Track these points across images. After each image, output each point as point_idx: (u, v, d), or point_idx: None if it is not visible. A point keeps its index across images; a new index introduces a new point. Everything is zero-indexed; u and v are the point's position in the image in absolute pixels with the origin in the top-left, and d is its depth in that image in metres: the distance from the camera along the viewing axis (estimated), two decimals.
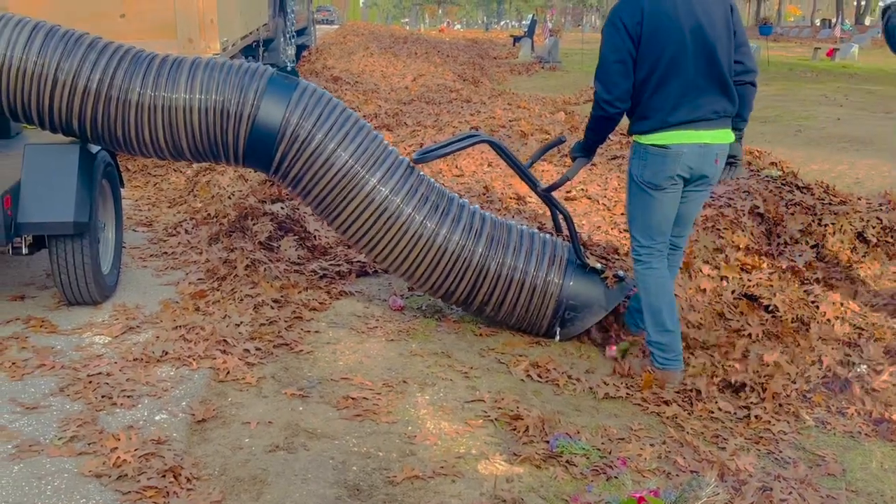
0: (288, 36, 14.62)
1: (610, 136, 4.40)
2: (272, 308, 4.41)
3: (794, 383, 3.89)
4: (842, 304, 4.55)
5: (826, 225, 5.39)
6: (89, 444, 3.06)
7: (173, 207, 6.71)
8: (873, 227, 5.29)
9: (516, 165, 4.32)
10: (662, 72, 3.60)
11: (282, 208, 5.96)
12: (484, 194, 6.56)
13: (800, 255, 4.91)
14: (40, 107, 4.05)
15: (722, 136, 3.69)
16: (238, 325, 4.18)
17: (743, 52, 3.73)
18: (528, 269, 4.17)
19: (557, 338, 4.28)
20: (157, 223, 6.25)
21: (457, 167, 7.57)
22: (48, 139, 4.35)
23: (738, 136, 3.83)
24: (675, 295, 4.06)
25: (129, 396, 3.45)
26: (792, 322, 4.38)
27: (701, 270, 4.76)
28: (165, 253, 5.50)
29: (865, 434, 3.58)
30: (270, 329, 4.19)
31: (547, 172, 7.19)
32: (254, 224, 5.56)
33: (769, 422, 3.61)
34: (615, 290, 4.22)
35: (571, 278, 4.20)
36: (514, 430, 3.34)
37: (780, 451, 3.39)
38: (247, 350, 3.93)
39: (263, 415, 3.37)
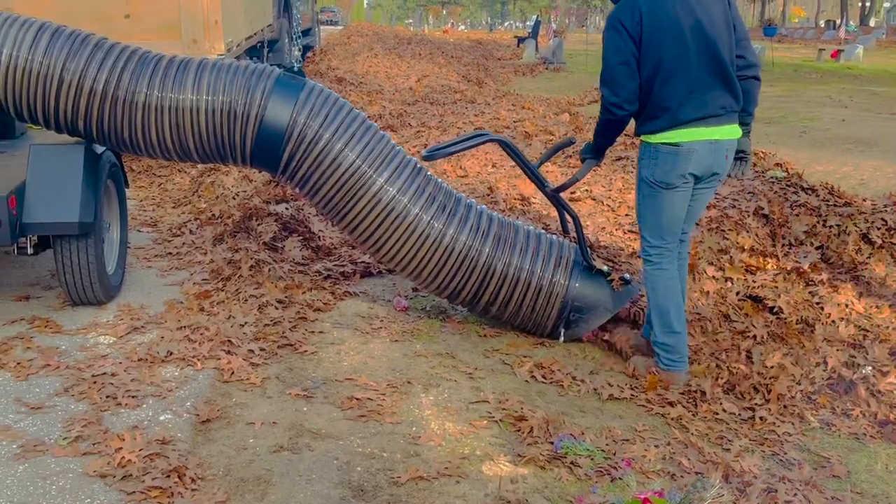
0: (294, 37, 14.62)
1: None
2: (276, 308, 4.42)
3: (799, 385, 3.89)
4: (847, 306, 4.54)
5: (831, 226, 5.38)
6: (94, 445, 3.06)
7: (178, 208, 6.71)
8: (878, 229, 5.28)
9: (525, 165, 4.31)
10: (666, 71, 3.60)
11: (286, 209, 5.96)
12: (488, 195, 6.56)
13: (804, 257, 4.90)
14: (46, 107, 4.06)
15: (730, 132, 3.70)
16: (242, 326, 4.18)
17: (744, 47, 3.74)
18: (535, 270, 4.17)
19: (562, 339, 4.28)
20: (161, 223, 6.26)
21: (461, 168, 7.57)
22: (53, 139, 4.36)
23: (746, 132, 3.83)
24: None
25: (133, 397, 3.45)
26: (797, 323, 4.37)
27: (705, 272, 4.76)
28: (170, 253, 5.50)
29: (870, 436, 3.57)
30: (275, 329, 4.19)
31: (552, 173, 7.19)
32: (258, 224, 5.56)
33: (774, 423, 3.60)
34: (621, 292, 4.22)
35: (577, 280, 4.19)
36: (519, 430, 3.34)
37: (785, 453, 3.38)
38: (251, 350, 3.93)
39: (268, 415, 3.37)
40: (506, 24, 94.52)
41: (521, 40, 28.98)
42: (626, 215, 6.19)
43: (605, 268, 4.26)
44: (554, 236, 4.41)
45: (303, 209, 5.92)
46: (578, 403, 3.71)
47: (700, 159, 3.64)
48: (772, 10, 64.57)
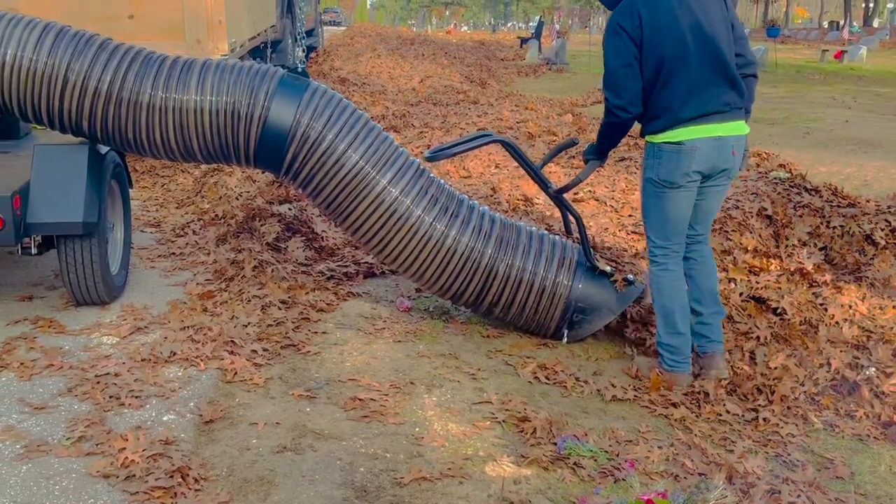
0: (297, 37, 14.62)
1: None
2: (280, 309, 4.42)
3: (803, 386, 3.88)
4: (850, 307, 4.53)
5: (834, 227, 5.37)
6: (97, 445, 3.06)
7: (181, 208, 6.72)
8: (882, 230, 5.27)
9: (528, 166, 4.31)
10: (667, 71, 3.61)
11: (289, 209, 5.97)
12: (491, 196, 6.56)
13: (808, 258, 4.90)
14: (50, 107, 4.06)
15: (735, 128, 3.69)
16: (246, 326, 4.19)
17: (741, 46, 3.76)
18: (538, 271, 4.17)
19: (565, 340, 4.28)
20: (164, 224, 6.26)
21: (464, 168, 7.57)
22: (57, 140, 4.36)
23: None
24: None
25: (136, 397, 3.45)
26: (800, 324, 4.36)
27: None
28: (173, 254, 5.51)
29: (874, 437, 3.57)
30: (278, 330, 4.19)
31: (555, 174, 7.19)
32: (261, 225, 5.56)
33: (777, 424, 3.60)
34: (624, 293, 4.21)
35: (580, 280, 4.19)
36: (522, 431, 3.34)
37: (789, 454, 3.38)
38: (254, 351, 3.93)
39: (271, 416, 3.37)
40: (509, 24, 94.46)
41: (524, 41, 28.97)
42: (630, 216, 6.19)
43: (608, 268, 4.26)
44: (557, 237, 4.41)
45: (306, 210, 5.92)
46: (582, 404, 3.71)
47: (704, 156, 3.64)
48: (775, 11, 64.52)
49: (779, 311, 4.42)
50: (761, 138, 9.65)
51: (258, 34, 10.58)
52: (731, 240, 5.07)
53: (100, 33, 4.22)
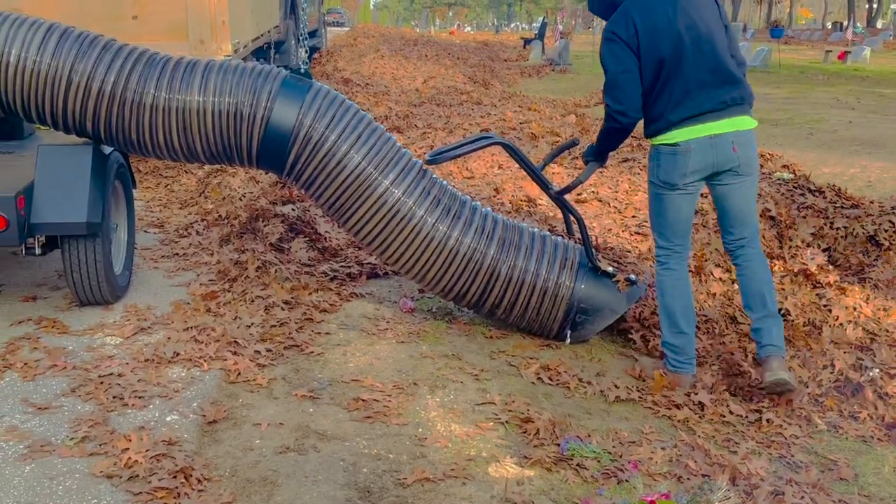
0: (301, 38, 14.64)
1: None
2: (283, 310, 4.42)
3: (807, 387, 3.88)
4: (854, 308, 4.52)
5: (838, 228, 5.37)
6: (100, 445, 3.07)
7: (185, 209, 6.72)
8: (885, 231, 5.27)
9: (529, 167, 4.32)
10: (665, 75, 3.65)
11: (293, 210, 5.97)
12: (494, 196, 6.56)
13: (812, 259, 4.89)
14: (54, 108, 4.07)
15: (734, 124, 3.67)
16: (249, 327, 4.19)
17: (733, 47, 3.78)
18: (540, 272, 4.17)
19: (568, 341, 4.28)
20: (168, 224, 6.27)
21: (467, 169, 7.58)
22: (61, 140, 4.37)
23: None
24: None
25: (140, 397, 3.46)
26: (804, 326, 4.36)
27: (712, 274, 4.75)
28: (177, 254, 5.51)
29: (878, 438, 3.56)
30: (281, 330, 4.20)
31: (557, 175, 7.19)
32: (265, 226, 5.57)
33: (781, 426, 3.59)
34: (627, 293, 4.21)
35: (583, 281, 4.19)
36: (525, 432, 3.33)
37: (792, 456, 3.38)
38: (257, 351, 3.94)
39: (274, 416, 3.38)
40: (512, 25, 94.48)
41: (527, 42, 28.99)
42: (633, 217, 6.19)
43: (610, 269, 4.26)
44: (559, 238, 4.41)
45: (309, 210, 5.93)
46: (585, 405, 3.70)
47: (700, 156, 3.65)
48: (778, 12, 64.45)
49: (782, 312, 4.41)
50: (765, 139, 9.65)
51: (261, 35, 10.59)
52: None
53: (103, 34, 4.23)
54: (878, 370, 4.02)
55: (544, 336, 4.33)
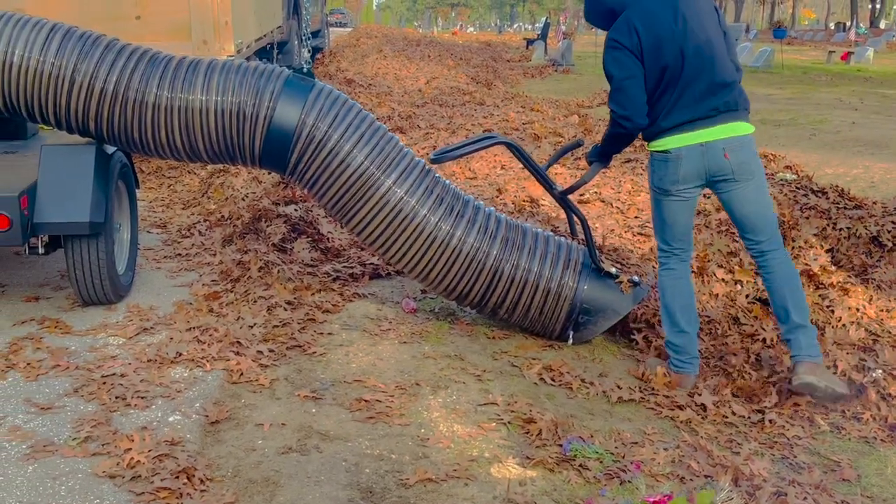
0: (303, 38, 14.65)
1: None
2: (285, 310, 4.42)
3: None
4: (857, 310, 4.52)
5: (841, 229, 5.36)
6: (103, 445, 3.07)
7: (187, 209, 6.73)
8: (889, 231, 5.26)
9: (533, 167, 4.31)
10: (665, 81, 3.66)
11: (295, 210, 5.97)
12: (497, 197, 6.56)
13: (815, 259, 4.89)
14: (57, 108, 4.08)
15: (726, 130, 3.66)
16: (251, 327, 4.19)
17: (732, 53, 3.79)
18: (543, 272, 4.17)
19: (570, 341, 4.28)
20: (171, 225, 6.27)
21: (470, 170, 7.58)
22: (65, 140, 4.37)
23: None
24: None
25: (142, 397, 3.46)
26: None
27: (715, 274, 4.75)
28: (179, 254, 5.52)
29: (881, 439, 3.56)
30: (283, 331, 4.20)
31: (560, 175, 7.19)
32: (267, 226, 5.57)
33: (783, 426, 3.59)
34: (630, 294, 4.21)
35: (586, 282, 4.19)
36: (528, 433, 3.33)
37: (795, 456, 3.37)
38: (260, 352, 3.94)
39: (276, 416, 3.38)
40: (515, 26, 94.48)
41: (530, 42, 28.98)
42: (636, 217, 6.19)
43: (613, 270, 4.26)
44: (562, 238, 4.41)
45: (312, 210, 5.93)
46: (587, 406, 3.70)
47: (690, 164, 3.67)
48: (781, 13, 64.45)
49: None
50: (768, 139, 9.65)
51: (264, 35, 10.61)
52: (737, 241, 5.07)
53: (106, 34, 4.23)
54: (881, 371, 4.02)
55: (547, 337, 4.32)
